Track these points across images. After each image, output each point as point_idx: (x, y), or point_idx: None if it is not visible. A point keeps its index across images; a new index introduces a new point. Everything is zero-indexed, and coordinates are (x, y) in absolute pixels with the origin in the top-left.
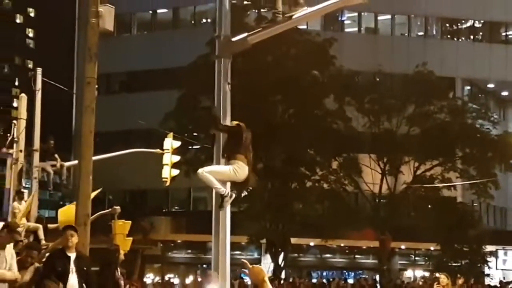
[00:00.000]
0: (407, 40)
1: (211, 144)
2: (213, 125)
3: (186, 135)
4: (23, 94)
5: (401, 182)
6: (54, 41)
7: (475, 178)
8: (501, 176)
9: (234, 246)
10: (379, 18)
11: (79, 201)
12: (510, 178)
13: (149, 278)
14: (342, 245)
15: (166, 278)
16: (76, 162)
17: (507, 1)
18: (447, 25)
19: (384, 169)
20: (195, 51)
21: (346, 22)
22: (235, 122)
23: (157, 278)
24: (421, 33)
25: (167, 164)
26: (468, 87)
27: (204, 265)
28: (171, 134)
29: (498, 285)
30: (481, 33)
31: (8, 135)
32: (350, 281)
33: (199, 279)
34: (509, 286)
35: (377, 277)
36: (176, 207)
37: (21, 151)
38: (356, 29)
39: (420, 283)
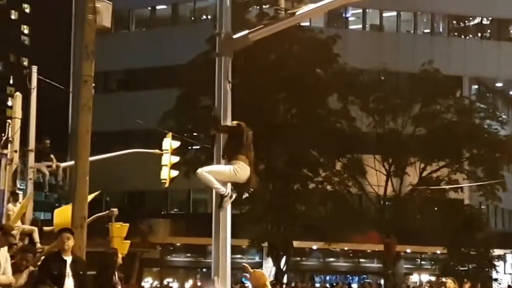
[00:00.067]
0: (413, 37)
1: (211, 144)
2: (213, 125)
3: (185, 135)
4: (18, 93)
5: (407, 184)
6: (50, 38)
7: (482, 180)
8: (509, 177)
9: (235, 249)
10: (384, 14)
11: (75, 203)
12: None
13: (147, 282)
14: (345, 248)
15: (165, 282)
16: (72, 162)
17: None
18: (454, 22)
19: (389, 170)
20: (195, 48)
21: (350, 19)
22: (235, 122)
23: (156, 283)
24: (427, 31)
25: (166, 165)
26: (476, 86)
27: (204, 269)
28: (170, 134)
29: None
30: (489, 30)
31: (3, 134)
32: (354, 285)
33: (199, 284)
34: None
35: (382, 282)
36: (175, 209)
37: (15, 151)
38: (360, 26)
39: (426, 287)
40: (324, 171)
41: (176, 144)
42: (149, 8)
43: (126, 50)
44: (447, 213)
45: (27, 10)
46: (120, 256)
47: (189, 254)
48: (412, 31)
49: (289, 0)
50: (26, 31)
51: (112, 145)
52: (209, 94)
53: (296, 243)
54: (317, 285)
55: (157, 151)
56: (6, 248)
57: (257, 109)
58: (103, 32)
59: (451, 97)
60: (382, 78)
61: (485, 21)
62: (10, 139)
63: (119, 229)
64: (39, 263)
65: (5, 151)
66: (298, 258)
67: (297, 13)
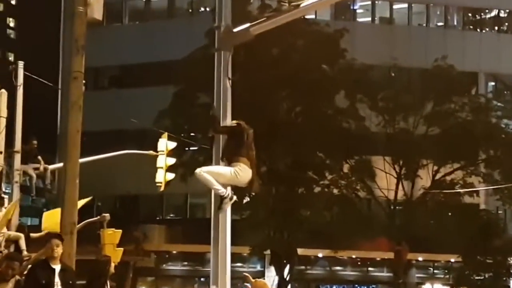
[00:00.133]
0: (425, 31)
1: (210, 145)
2: (212, 126)
3: (182, 135)
4: (3, 90)
5: (419, 187)
6: (37, 32)
7: (499, 183)
8: None
9: (235, 257)
10: (395, 6)
11: (64, 208)
12: None
13: None
14: (353, 256)
15: None
16: (61, 164)
17: None
18: (470, 14)
19: (400, 173)
20: (192, 42)
21: (358, 11)
22: (234, 122)
23: None
24: (440, 24)
25: (161, 167)
26: (492, 83)
27: (202, 279)
28: (166, 134)
29: None
30: (506, 24)
31: None
32: None
33: None
34: None
35: None
36: (171, 215)
37: (0, 152)
38: (369, 18)
39: None
40: (330, 174)
41: (172, 144)
42: None
43: (118, 44)
44: (462, 218)
45: (13, 2)
46: (112, 264)
47: (186, 263)
48: (424, 24)
49: None
50: (12, 24)
51: (103, 146)
52: (208, 91)
53: (300, 251)
54: None
55: (152, 152)
56: None
57: (259, 107)
58: (94, 25)
59: (466, 95)
60: (393, 74)
61: (502, 14)
62: None
63: (111, 235)
64: (25, 272)
65: None
66: (303, 267)
67: (301, 5)
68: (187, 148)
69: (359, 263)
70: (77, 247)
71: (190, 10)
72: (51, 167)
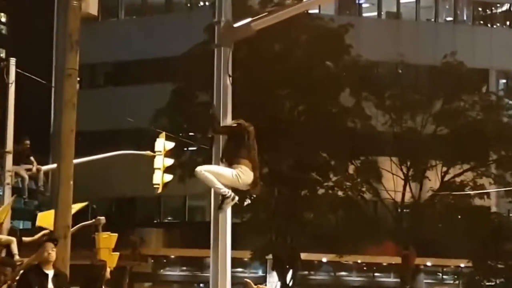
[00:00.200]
0: (434, 26)
1: (209, 146)
2: (211, 126)
3: (180, 134)
4: None
5: (427, 189)
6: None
7: (511, 185)
8: None
9: (236, 262)
10: (402, 1)
11: (58, 210)
12: None
13: None
14: (359, 261)
15: None
16: (55, 165)
17: None
18: (480, 9)
19: (408, 174)
20: (191, 38)
21: (364, 5)
22: (235, 122)
23: None
24: (450, 19)
25: (159, 168)
26: (504, 80)
27: (201, 284)
28: (163, 133)
29: None
30: None
31: None
32: None
33: None
34: None
35: None
36: (169, 218)
37: None
38: (375, 13)
39: None
40: (334, 175)
41: (170, 145)
42: None
43: (114, 40)
44: (472, 221)
45: None
46: (108, 269)
47: (184, 268)
48: (432, 19)
49: None
50: (3, 19)
51: (99, 146)
52: (207, 89)
53: (303, 255)
54: None
55: (149, 152)
56: None
57: (260, 105)
58: (89, 20)
59: (476, 93)
60: (400, 71)
61: None
62: None
63: (107, 239)
64: (18, 278)
65: None
66: (306, 272)
67: None
68: (185, 149)
69: (364, 268)
70: (71, 252)
71: (189, 5)
72: (44, 168)
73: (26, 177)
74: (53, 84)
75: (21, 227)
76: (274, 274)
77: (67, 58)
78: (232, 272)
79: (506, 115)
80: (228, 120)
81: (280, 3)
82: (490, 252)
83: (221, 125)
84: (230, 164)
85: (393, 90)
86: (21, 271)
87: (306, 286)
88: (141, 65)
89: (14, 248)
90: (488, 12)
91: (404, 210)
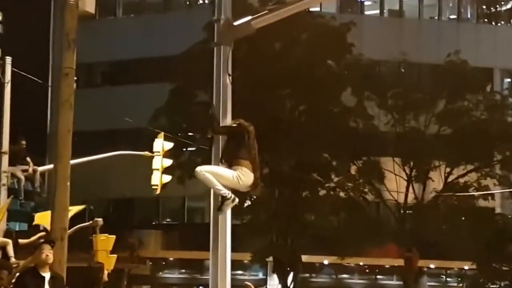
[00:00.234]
0: (437, 24)
1: (209, 146)
2: (211, 126)
3: (179, 134)
4: None
5: (430, 190)
6: (26, 26)
7: None
8: None
9: (236, 264)
10: None
11: (55, 212)
12: None
13: None
14: (361, 263)
15: None
16: (51, 166)
17: None
18: (484, 7)
19: (411, 175)
20: (190, 37)
21: (366, 3)
22: (235, 122)
23: None
24: (453, 17)
25: (157, 169)
26: (508, 79)
27: (201, 287)
28: (162, 133)
29: None
30: None
31: None
32: None
33: None
34: None
35: None
36: (167, 219)
37: None
38: (378, 11)
39: None
40: (336, 176)
41: (169, 145)
42: None
43: (112, 38)
44: (476, 223)
45: None
46: (105, 272)
47: (183, 270)
48: (436, 17)
49: None
50: None
51: (96, 146)
52: (206, 88)
53: (304, 258)
54: None
55: (147, 153)
56: None
57: (261, 105)
58: (86, 18)
59: (480, 92)
60: (402, 70)
61: None
62: None
63: (105, 241)
64: (14, 281)
65: None
66: (307, 275)
67: None
68: (184, 149)
69: (367, 270)
70: (68, 254)
71: (188, 2)
72: (40, 168)
73: (22, 178)
74: (49, 84)
75: (17, 229)
76: (275, 276)
77: (64, 57)
78: (232, 274)
79: (511, 115)
80: (228, 120)
81: (280, 1)
82: (494, 254)
83: (221, 125)
84: (230, 164)
85: (396, 89)
86: (17, 274)
87: None
88: (139, 64)
89: (10, 250)
90: (493, 10)
91: (407, 212)
